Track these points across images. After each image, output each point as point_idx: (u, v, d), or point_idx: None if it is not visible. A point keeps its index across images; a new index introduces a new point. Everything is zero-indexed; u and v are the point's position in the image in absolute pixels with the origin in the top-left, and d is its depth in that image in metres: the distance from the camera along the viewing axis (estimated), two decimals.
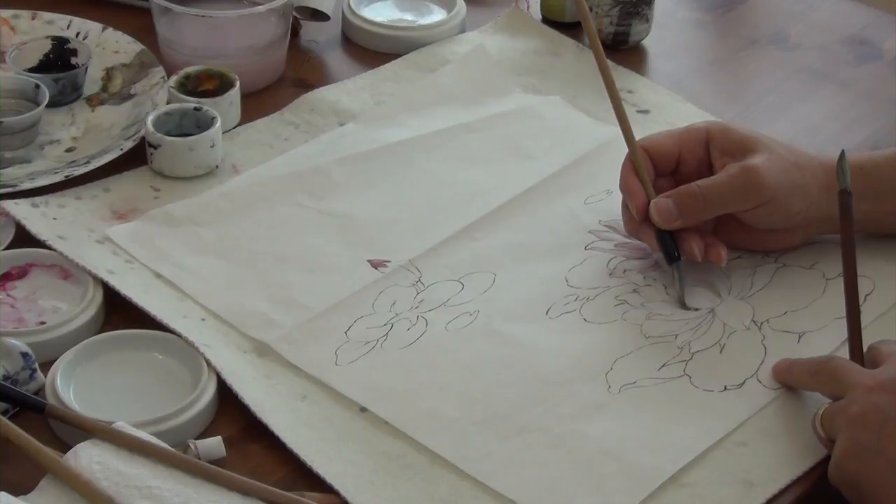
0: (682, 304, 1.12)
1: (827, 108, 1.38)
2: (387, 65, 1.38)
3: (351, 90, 1.35)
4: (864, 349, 1.03)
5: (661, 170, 1.16)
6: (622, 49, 1.43)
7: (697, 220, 1.13)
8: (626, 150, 1.28)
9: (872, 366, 1.00)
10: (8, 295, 1.10)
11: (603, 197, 1.23)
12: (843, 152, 1.05)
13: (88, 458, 0.93)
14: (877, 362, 1.01)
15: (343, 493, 0.96)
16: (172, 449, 0.96)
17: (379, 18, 1.43)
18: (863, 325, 1.10)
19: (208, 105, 1.25)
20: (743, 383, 1.06)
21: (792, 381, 1.04)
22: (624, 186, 1.15)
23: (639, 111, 1.34)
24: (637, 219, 1.14)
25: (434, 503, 0.97)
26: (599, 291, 1.14)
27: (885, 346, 1.02)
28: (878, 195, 1.14)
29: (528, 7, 1.47)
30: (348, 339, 1.08)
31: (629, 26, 1.42)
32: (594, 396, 1.05)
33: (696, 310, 1.12)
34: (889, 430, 0.94)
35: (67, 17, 1.37)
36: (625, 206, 1.16)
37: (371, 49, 1.41)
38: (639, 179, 1.14)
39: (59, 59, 1.32)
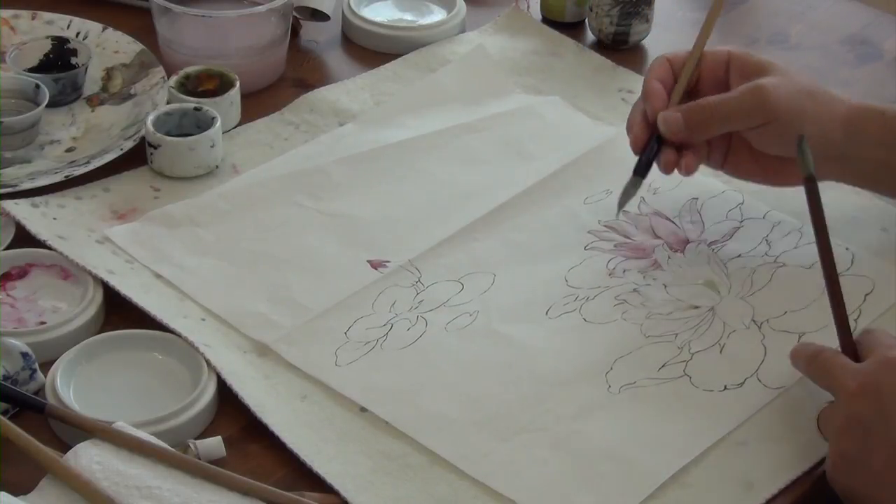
0: (616, 212, 1.17)
1: None
2: (387, 65, 1.38)
3: (351, 90, 1.35)
4: (860, 332, 1.02)
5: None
6: (622, 49, 1.43)
7: (704, 134, 1.14)
8: (626, 149, 1.29)
9: (862, 355, 0.99)
10: (8, 295, 1.10)
11: (602, 197, 1.23)
12: (801, 137, 1.02)
13: (88, 458, 0.94)
14: (864, 354, 0.99)
15: (343, 493, 0.96)
16: (172, 449, 0.96)
17: (379, 18, 1.43)
18: (863, 326, 1.11)
19: (208, 105, 1.25)
20: (743, 383, 1.06)
21: (796, 365, 1.04)
22: (647, 87, 1.15)
23: None
24: (643, 121, 1.14)
25: (434, 503, 0.97)
26: (599, 291, 1.14)
27: (873, 337, 1.00)
28: None
29: (528, 7, 1.47)
30: (348, 339, 1.08)
31: (629, 26, 1.42)
32: (594, 396, 1.05)
33: (697, 308, 1.12)
34: (873, 442, 0.93)
35: (67, 17, 1.37)
36: (636, 107, 1.16)
37: (371, 49, 1.42)
38: (664, 86, 1.15)
39: (59, 59, 1.32)
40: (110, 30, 1.36)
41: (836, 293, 1.01)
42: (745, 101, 1.12)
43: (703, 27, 1.17)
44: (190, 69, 1.29)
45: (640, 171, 1.14)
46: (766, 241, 1.19)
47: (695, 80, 1.17)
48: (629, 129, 1.16)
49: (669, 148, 1.14)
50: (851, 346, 1.00)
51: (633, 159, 1.27)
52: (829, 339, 1.10)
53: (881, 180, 1.16)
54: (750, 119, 1.12)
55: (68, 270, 1.11)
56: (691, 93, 1.17)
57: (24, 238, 1.14)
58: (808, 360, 1.01)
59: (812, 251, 1.17)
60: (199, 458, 0.97)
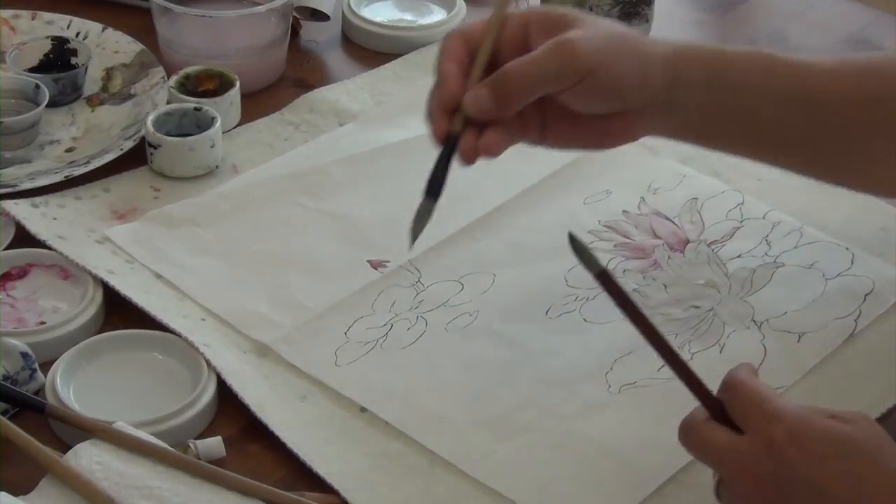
0: (410, 244, 1.00)
1: None
2: (387, 65, 1.38)
3: (351, 90, 1.35)
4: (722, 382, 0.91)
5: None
6: None
7: (514, 106, 0.98)
8: (626, 149, 1.28)
9: (735, 414, 0.88)
10: (8, 295, 1.10)
11: (602, 197, 1.23)
12: (571, 236, 0.91)
13: (88, 458, 0.93)
14: (736, 413, 0.88)
15: (343, 493, 0.96)
16: (172, 449, 0.96)
17: (379, 18, 1.43)
18: (862, 326, 1.11)
19: (208, 105, 1.25)
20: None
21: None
22: (441, 71, 0.99)
23: None
24: (442, 107, 0.98)
25: (434, 503, 0.97)
26: (599, 291, 1.13)
27: (740, 392, 0.88)
28: (724, 87, 1.01)
29: (528, 7, 1.47)
30: (348, 339, 1.08)
31: (629, 26, 1.42)
32: (594, 396, 1.05)
33: (697, 307, 1.12)
34: None
35: (67, 17, 1.37)
36: (433, 94, 1.00)
37: (371, 49, 1.42)
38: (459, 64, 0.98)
39: (59, 59, 1.32)
40: (110, 30, 1.36)
41: (677, 364, 0.90)
42: (552, 60, 0.97)
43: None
44: (190, 69, 1.29)
45: (433, 192, 0.99)
46: (766, 241, 1.19)
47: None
48: (427, 116, 0.99)
49: (468, 132, 0.98)
50: (718, 407, 0.89)
51: (632, 160, 1.28)
52: (829, 339, 1.10)
53: (708, 131, 1.04)
54: (561, 79, 0.97)
55: (68, 270, 1.11)
56: (492, 65, 1.00)
57: (24, 238, 1.14)
58: (681, 432, 0.90)
59: (812, 251, 1.18)
60: (199, 458, 0.97)
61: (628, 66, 0.99)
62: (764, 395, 0.88)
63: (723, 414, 0.89)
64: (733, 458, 0.87)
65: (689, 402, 1.04)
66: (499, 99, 0.97)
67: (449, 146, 0.98)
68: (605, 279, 0.88)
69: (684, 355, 1.08)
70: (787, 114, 1.03)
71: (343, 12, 1.44)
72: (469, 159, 0.99)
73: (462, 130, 0.98)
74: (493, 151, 0.99)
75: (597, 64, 0.97)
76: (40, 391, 1.01)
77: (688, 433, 0.89)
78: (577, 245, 0.90)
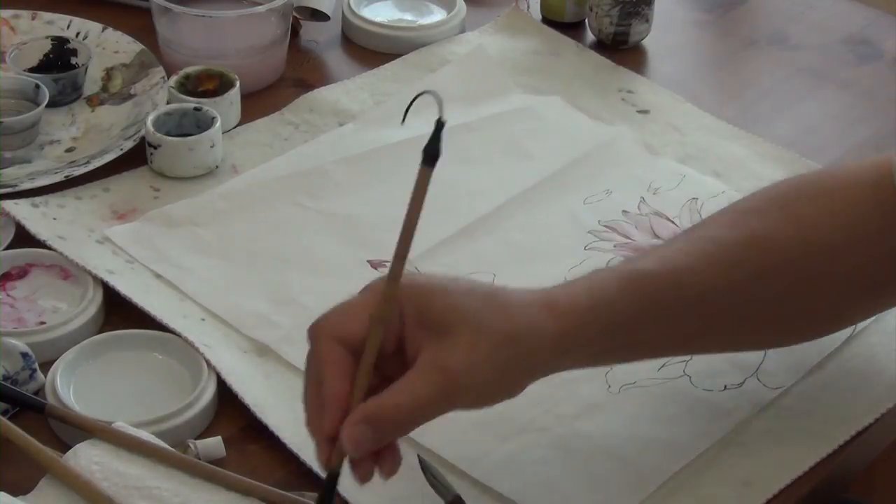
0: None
1: (827, 108, 1.38)
2: (387, 65, 1.38)
3: (351, 90, 1.35)
4: None
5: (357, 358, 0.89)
6: (622, 49, 1.43)
7: (396, 438, 0.90)
8: (626, 149, 1.28)
9: None
10: (8, 295, 1.10)
11: (602, 197, 1.23)
12: (421, 459, 0.90)
13: (88, 458, 0.93)
14: None
15: (343, 493, 0.96)
16: (172, 449, 0.96)
17: (379, 18, 1.43)
18: (862, 326, 1.11)
19: (208, 105, 1.25)
20: (743, 383, 1.06)
21: None
22: (327, 385, 0.88)
23: (639, 111, 1.34)
24: (326, 437, 0.88)
25: (434, 503, 0.97)
26: None
27: None
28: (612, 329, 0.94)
29: (528, 7, 1.47)
30: None
31: (629, 26, 1.42)
32: (594, 396, 1.05)
33: None
34: None
35: (67, 17, 1.37)
36: (312, 413, 0.90)
37: (371, 49, 1.42)
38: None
39: (59, 59, 1.32)
40: (110, 30, 1.36)
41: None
42: (435, 397, 0.88)
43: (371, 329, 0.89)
44: (190, 69, 1.29)
45: None
46: None
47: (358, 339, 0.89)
48: (312, 435, 0.89)
49: (362, 461, 0.89)
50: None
51: (632, 160, 1.28)
52: (829, 338, 1.10)
53: (603, 366, 1.02)
54: (446, 410, 0.90)
55: (68, 270, 1.11)
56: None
57: (24, 238, 1.14)
58: None
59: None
60: (199, 458, 0.97)
61: (515, 372, 0.91)
62: None
63: None
64: None
65: (687, 403, 1.04)
66: (380, 438, 0.88)
67: (332, 483, 0.90)
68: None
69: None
70: (673, 325, 0.97)
71: (343, 12, 1.44)
72: (365, 480, 0.90)
73: (340, 467, 0.89)
74: (393, 473, 0.90)
75: (482, 393, 0.90)
76: (40, 391, 1.01)
77: None
78: (427, 471, 0.89)
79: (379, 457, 0.89)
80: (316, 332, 0.90)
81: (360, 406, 0.87)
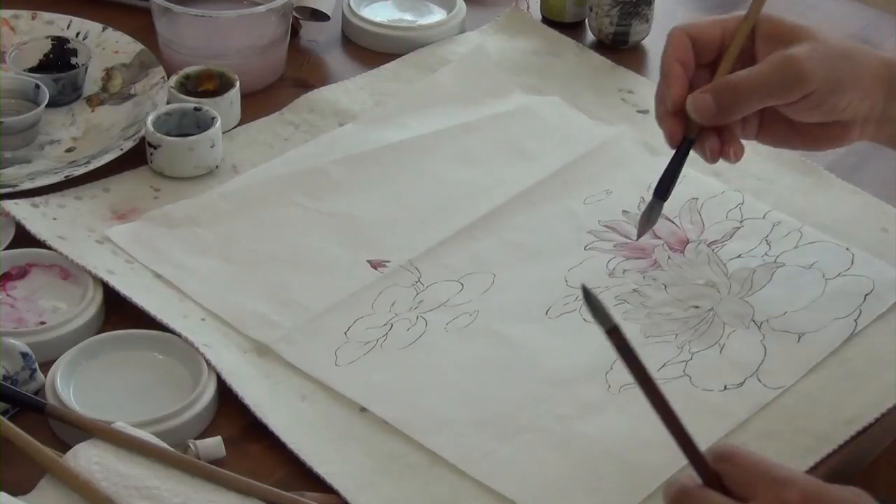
0: (637, 237, 1.13)
1: None
2: (387, 65, 1.38)
3: (351, 90, 1.35)
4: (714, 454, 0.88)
5: (701, 58, 1.08)
6: (622, 49, 1.43)
7: (737, 115, 1.05)
8: (626, 149, 1.29)
9: (734, 487, 0.85)
10: (8, 295, 1.10)
11: (602, 197, 1.23)
12: (585, 289, 0.83)
13: (88, 458, 0.93)
14: (735, 486, 0.85)
15: (343, 493, 0.96)
16: (172, 449, 0.96)
17: (379, 18, 1.43)
18: (862, 326, 1.11)
19: (208, 105, 1.25)
20: (743, 383, 1.06)
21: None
22: (665, 69, 1.06)
23: (639, 111, 1.34)
24: (670, 109, 1.06)
25: (434, 503, 0.97)
26: (599, 291, 1.14)
27: (740, 465, 0.85)
28: None
29: (528, 7, 1.47)
30: (348, 339, 1.08)
31: (629, 26, 1.42)
32: (594, 396, 1.05)
33: (697, 307, 1.12)
34: None
35: (67, 17, 1.37)
36: (659, 91, 1.08)
37: (371, 49, 1.42)
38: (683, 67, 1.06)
39: (59, 59, 1.32)
40: (110, 30, 1.36)
41: (680, 434, 0.86)
42: (778, 76, 1.03)
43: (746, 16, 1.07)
44: (190, 69, 1.29)
45: (660, 193, 1.08)
46: (766, 241, 1.19)
47: (716, 51, 1.08)
48: (659, 121, 1.08)
49: (711, 134, 1.06)
50: (714, 477, 0.86)
51: (632, 160, 1.28)
52: (829, 339, 1.10)
53: None
54: (785, 95, 1.04)
55: (68, 270, 1.11)
56: (712, 64, 1.08)
57: (24, 238, 1.14)
58: (673, 499, 0.86)
59: (812, 251, 1.18)
60: (199, 458, 0.97)
61: (849, 85, 1.04)
62: (770, 463, 0.86)
63: (721, 487, 0.86)
64: None
65: (687, 403, 1.04)
66: (721, 108, 1.04)
67: (683, 150, 1.06)
68: (616, 337, 0.84)
69: (684, 355, 1.08)
70: None
71: (343, 12, 1.44)
72: (713, 158, 1.06)
73: (696, 136, 1.06)
74: (739, 157, 1.07)
75: (820, 83, 1.03)
76: (40, 391, 1.01)
77: (681, 498, 0.85)
78: (590, 299, 0.86)
79: (724, 142, 1.05)
80: (673, 30, 1.07)
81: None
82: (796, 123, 1.08)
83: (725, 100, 1.04)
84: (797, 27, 1.06)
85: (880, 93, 1.06)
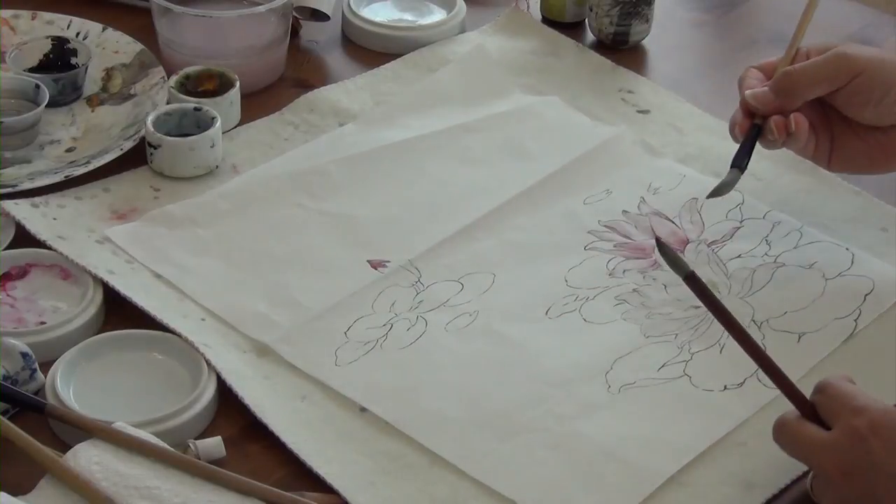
0: (711, 196, 1.16)
1: None
2: (387, 65, 1.38)
3: (351, 90, 1.35)
4: (814, 388, 0.97)
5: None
6: (622, 49, 1.43)
7: (793, 101, 1.15)
8: (626, 149, 1.29)
9: (825, 416, 0.94)
10: (8, 295, 1.10)
11: (602, 197, 1.23)
12: (659, 240, 0.99)
13: (87, 458, 0.93)
14: (826, 414, 0.94)
15: (343, 493, 0.96)
16: (172, 449, 0.96)
17: (379, 18, 1.43)
18: (863, 326, 1.11)
19: (208, 105, 1.25)
20: (743, 383, 1.06)
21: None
22: (742, 77, 1.19)
23: (639, 111, 1.34)
24: (743, 111, 1.16)
25: (434, 503, 0.97)
26: (599, 291, 1.14)
27: (831, 395, 0.95)
28: None
29: (528, 7, 1.47)
30: (348, 339, 1.08)
31: (629, 26, 1.42)
32: (594, 396, 1.05)
33: (697, 307, 1.12)
34: None
35: (67, 17, 1.37)
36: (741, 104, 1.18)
37: (371, 49, 1.41)
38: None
39: (59, 59, 1.32)
40: (110, 30, 1.36)
41: (772, 369, 0.97)
42: (828, 63, 1.14)
43: (799, 25, 1.21)
44: (190, 69, 1.29)
45: (738, 163, 1.15)
46: (766, 241, 1.19)
47: None
48: (731, 126, 1.17)
49: (776, 117, 1.15)
50: (810, 408, 0.96)
51: (632, 160, 1.28)
52: (829, 339, 1.10)
53: None
54: (836, 78, 1.14)
55: (68, 270, 1.11)
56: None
57: (24, 238, 1.14)
58: (775, 431, 0.96)
59: (812, 251, 1.18)
60: (199, 458, 0.97)
61: (892, 72, 1.13)
62: (851, 393, 0.94)
63: (815, 415, 0.95)
64: (821, 450, 0.93)
65: (687, 403, 1.04)
66: (780, 93, 1.15)
67: (756, 128, 1.15)
68: (694, 284, 0.96)
69: (684, 355, 1.08)
70: None
71: (343, 12, 1.44)
72: (780, 133, 1.14)
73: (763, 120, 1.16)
74: (802, 125, 1.14)
75: (866, 66, 1.13)
76: (40, 391, 1.01)
77: (781, 430, 0.96)
78: (664, 250, 0.97)
79: (788, 124, 1.14)
80: (747, 69, 1.20)
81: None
82: (863, 136, 1.15)
83: (781, 86, 1.15)
84: (850, 45, 1.16)
85: None
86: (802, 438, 0.94)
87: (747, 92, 1.16)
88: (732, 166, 1.15)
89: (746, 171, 1.25)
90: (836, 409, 0.94)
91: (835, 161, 1.18)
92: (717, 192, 1.15)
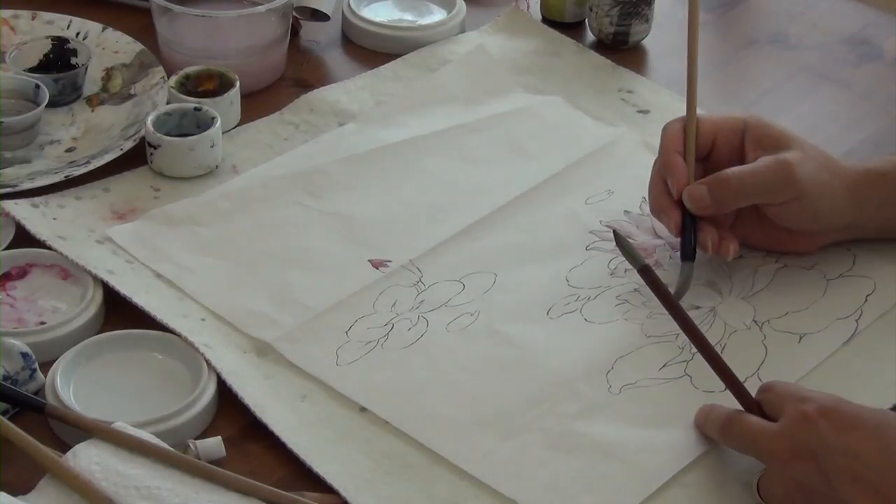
0: (676, 300, 1.10)
1: (827, 108, 1.38)
2: (387, 65, 1.38)
3: (351, 90, 1.35)
4: (759, 389, 1.00)
5: (696, 153, 1.15)
6: (622, 49, 1.43)
7: (729, 207, 1.13)
8: (627, 149, 1.29)
9: (770, 412, 0.97)
10: (8, 295, 1.10)
11: (604, 197, 1.23)
12: (616, 232, 1.04)
13: (87, 458, 0.93)
14: (771, 410, 0.97)
15: (343, 493, 0.96)
16: (172, 449, 0.96)
17: (379, 18, 1.43)
18: (864, 327, 1.11)
19: (208, 105, 1.25)
20: (743, 383, 1.06)
21: (707, 433, 1.01)
22: (666, 162, 1.14)
23: (639, 111, 1.34)
24: (675, 196, 1.13)
25: (434, 503, 0.97)
26: (600, 291, 1.14)
27: (776, 392, 0.97)
28: None
29: (528, 7, 1.47)
30: (349, 338, 1.08)
31: (629, 26, 1.42)
32: (595, 396, 1.05)
33: (698, 308, 1.12)
34: None
35: (67, 17, 1.37)
36: (655, 182, 1.15)
37: (371, 49, 1.41)
38: (683, 158, 1.14)
39: (59, 59, 1.32)
40: (110, 30, 1.36)
41: (716, 362, 1.00)
42: (772, 177, 1.11)
43: (688, 96, 1.17)
44: (190, 69, 1.29)
45: (689, 256, 1.12)
46: None
47: (709, 147, 1.15)
48: (660, 212, 1.14)
49: (708, 226, 1.12)
50: (755, 405, 0.98)
51: (633, 160, 1.28)
52: (830, 340, 1.10)
53: (891, 235, 1.16)
54: (777, 195, 1.11)
55: (68, 270, 1.11)
56: (705, 159, 1.16)
57: (24, 238, 1.14)
58: (722, 429, 0.98)
59: (813, 252, 1.17)
60: (199, 458, 0.97)
61: (828, 198, 1.11)
62: (795, 387, 0.98)
63: (761, 412, 0.97)
64: (770, 438, 0.94)
65: (688, 403, 1.04)
66: (716, 200, 1.11)
67: (690, 216, 1.12)
68: (647, 274, 1.00)
69: (685, 355, 1.08)
70: None
71: (343, 12, 1.44)
72: (710, 250, 1.12)
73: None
74: (729, 256, 1.13)
75: (809, 189, 1.10)
76: (40, 391, 1.01)
77: (728, 426, 0.98)
78: (621, 242, 1.02)
79: (721, 238, 1.12)
80: (668, 125, 1.16)
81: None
82: (769, 225, 1.14)
83: (721, 194, 1.11)
84: (784, 134, 1.13)
85: (849, 204, 1.12)
86: (752, 430, 0.96)
87: (686, 191, 1.12)
88: (683, 260, 1.12)
89: None
90: (781, 403, 0.96)
91: (733, 231, 1.15)
92: (679, 293, 1.11)
